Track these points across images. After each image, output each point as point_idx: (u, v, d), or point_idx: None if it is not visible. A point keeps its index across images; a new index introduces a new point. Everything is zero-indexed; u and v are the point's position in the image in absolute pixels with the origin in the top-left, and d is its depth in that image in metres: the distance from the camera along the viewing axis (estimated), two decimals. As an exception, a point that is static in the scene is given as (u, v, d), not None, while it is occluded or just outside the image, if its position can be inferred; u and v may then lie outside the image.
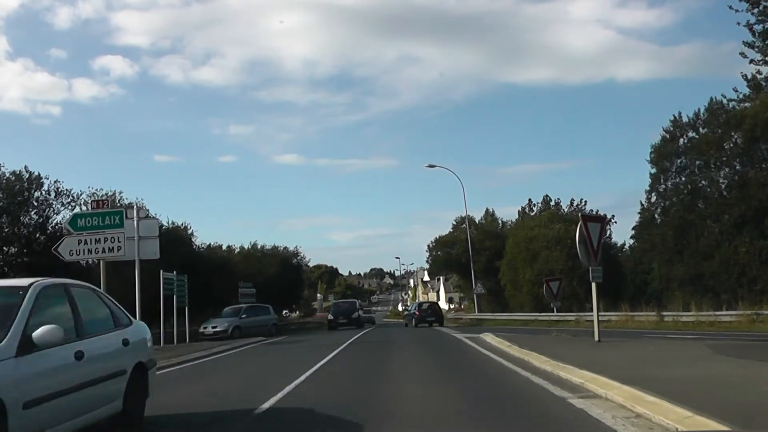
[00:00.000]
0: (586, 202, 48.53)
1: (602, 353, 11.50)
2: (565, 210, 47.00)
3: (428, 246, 58.51)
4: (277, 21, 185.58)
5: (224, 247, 48.21)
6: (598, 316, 14.28)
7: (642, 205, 34.54)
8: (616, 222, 43.85)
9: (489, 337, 16.83)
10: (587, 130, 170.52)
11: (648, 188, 31.19)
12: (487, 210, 57.48)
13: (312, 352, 15.66)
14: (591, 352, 11.71)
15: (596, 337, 13.97)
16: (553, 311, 30.74)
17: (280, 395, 8.35)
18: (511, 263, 40.73)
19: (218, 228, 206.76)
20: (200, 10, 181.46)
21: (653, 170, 30.68)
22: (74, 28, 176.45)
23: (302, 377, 10.33)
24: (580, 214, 13.79)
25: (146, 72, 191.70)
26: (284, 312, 64.28)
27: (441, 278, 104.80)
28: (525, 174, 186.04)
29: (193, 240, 38.50)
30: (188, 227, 37.98)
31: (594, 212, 45.64)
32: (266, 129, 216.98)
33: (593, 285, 13.91)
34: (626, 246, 40.99)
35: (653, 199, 31.40)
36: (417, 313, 33.47)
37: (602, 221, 14.49)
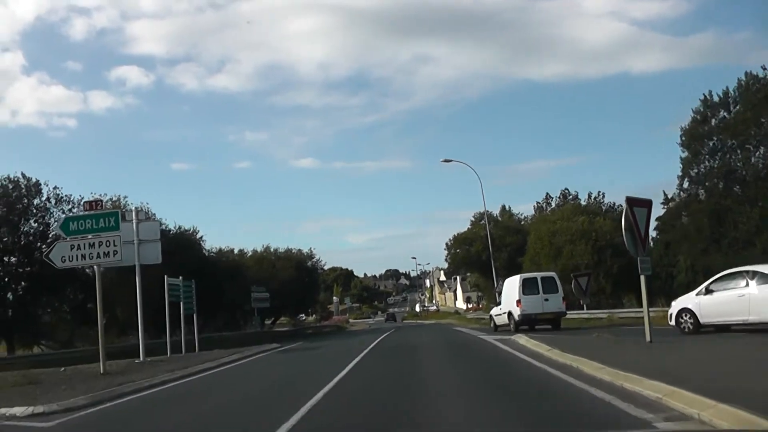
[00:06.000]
0: (604, 195, 46.95)
1: (664, 357, 9.95)
2: (583, 204, 45.32)
3: (446, 244, 57.18)
4: (292, 25, 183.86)
5: (236, 251, 47.05)
6: (648, 313, 12.72)
7: (665, 195, 32.85)
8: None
9: (522, 339, 15.34)
10: (602, 123, 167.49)
11: (680, 173, 29.32)
12: (503, 207, 56.05)
13: (330, 361, 14.23)
14: (650, 356, 10.18)
15: (648, 337, 12.42)
16: (582, 308, 29.16)
17: (297, 416, 7.02)
18: (533, 259, 39.15)
19: (234, 234, 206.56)
20: (214, 16, 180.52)
21: (684, 154, 28.88)
22: (89, 39, 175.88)
23: (320, 393, 8.88)
24: (625, 198, 12.30)
25: (162, 81, 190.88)
26: (300, 316, 63.14)
27: (458, 278, 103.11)
28: (539, 170, 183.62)
29: (202, 244, 37.35)
30: (197, 231, 36.83)
31: (613, 205, 43.91)
32: (281, 133, 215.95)
33: (642, 278, 12.52)
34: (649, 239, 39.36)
35: (686, 185, 29.53)
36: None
37: (649, 205, 12.90)
